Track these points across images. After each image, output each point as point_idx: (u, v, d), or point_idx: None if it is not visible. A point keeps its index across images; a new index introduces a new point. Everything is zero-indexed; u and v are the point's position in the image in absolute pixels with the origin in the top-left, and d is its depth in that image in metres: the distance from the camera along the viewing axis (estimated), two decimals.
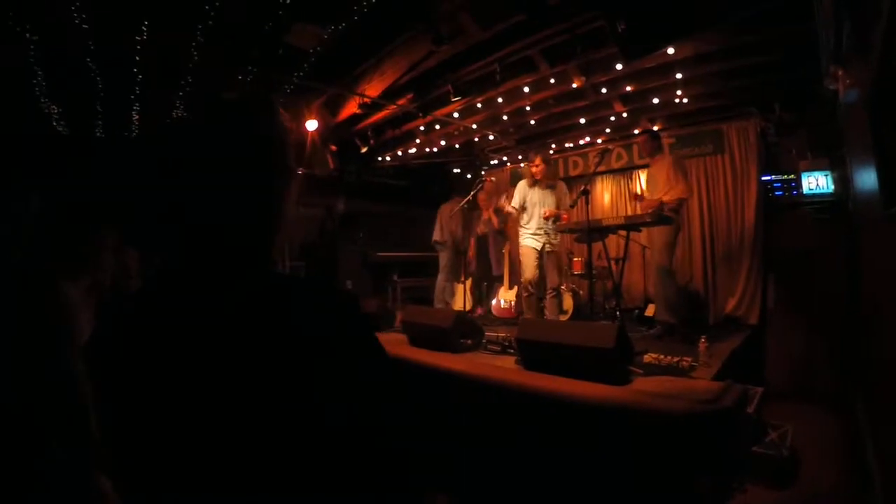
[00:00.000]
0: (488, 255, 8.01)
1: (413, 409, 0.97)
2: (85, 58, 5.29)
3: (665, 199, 5.30)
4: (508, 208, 6.25)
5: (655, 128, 7.36)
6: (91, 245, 2.12)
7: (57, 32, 4.84)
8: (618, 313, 5.07)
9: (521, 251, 6.20)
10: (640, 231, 5.13)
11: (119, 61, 5.47)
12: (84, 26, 4.69)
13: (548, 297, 6.04)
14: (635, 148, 7.58)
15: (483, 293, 7.90)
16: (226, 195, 0.95)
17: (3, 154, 7.03)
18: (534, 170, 6.00)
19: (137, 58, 5.34)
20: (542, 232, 5.97)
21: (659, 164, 5.64)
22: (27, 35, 4.82)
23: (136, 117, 6.92)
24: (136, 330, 0.92)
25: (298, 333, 0.87)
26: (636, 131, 7.43)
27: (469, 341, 4.65)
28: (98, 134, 7.32)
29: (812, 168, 6.05)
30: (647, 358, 3.78)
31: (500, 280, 7.72)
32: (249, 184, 0.97)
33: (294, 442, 0.84)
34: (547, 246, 5.98)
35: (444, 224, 7.94)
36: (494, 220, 7.33)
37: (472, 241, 7.98)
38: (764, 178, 6.55)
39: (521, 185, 6.28)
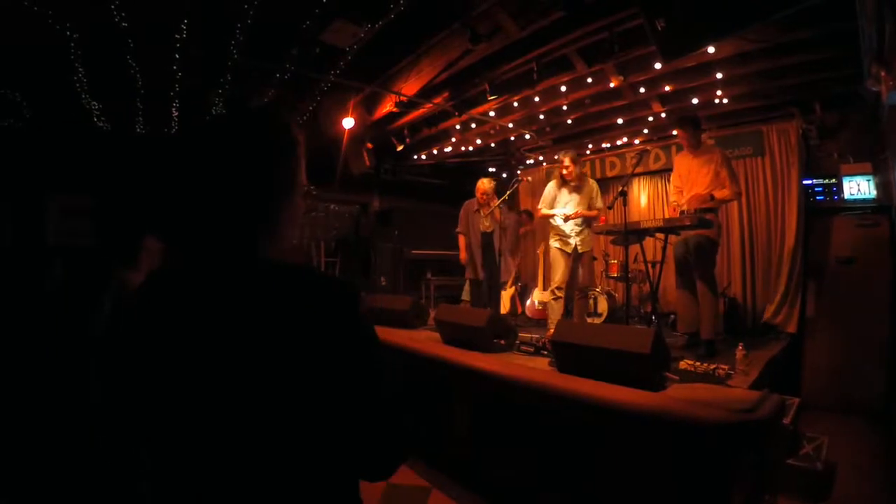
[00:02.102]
0: (494, 256, 6.98)
1: (400, 398, 1.05)
2: (125, 55, 5.41)
3: (716, 195, 4.91)
4: (542, 212, 6.20)
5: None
6: (140, 240, 2.18)
7: (98, 31, 4.97)
8: (654, 318, 4.99)
9: (550, 254, 6.16)
10: (678, 234, 5.00)
11: (159, 59, 5.58)
12: (124, 24, 4.79)
13: (576, 298, 5.99)
14: (673, 149, 7.43)
15: (486, 296, 7.14)
16: (226, 198, 1.02)
17: (46, 150, 7.26)
18: (563, 171, 5.95)
19: (177, 56, 5.45)
20: (571, 234, 5.92)
21: (702, 158, 5.11)
22: (68, 33, 4.94)
23: (175, 114, 7.06)
24: (137, 323, 0.99)
25: (283, 322, 0.93)
26: (674, 132, 7.28)
27: (502, 341, 4.65)
28: (139, 130, 7.48)
29: (854, 172, 5.90)
30: (683, 364, 3.73)
31: (503, 286, 7.55)
32: (250, 189, 1.03)
33: (285, 424, 0.91)
34: (578, 248, 5.93)
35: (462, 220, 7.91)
36: (497, 213, 6.79)
37: (462, 238, 7.23)
38: (805, 182, 6.38)
39: (550, 186, 6.22)
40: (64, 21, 4.79)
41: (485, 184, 6.75)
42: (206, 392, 0.91)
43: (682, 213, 5.04)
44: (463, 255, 7.11)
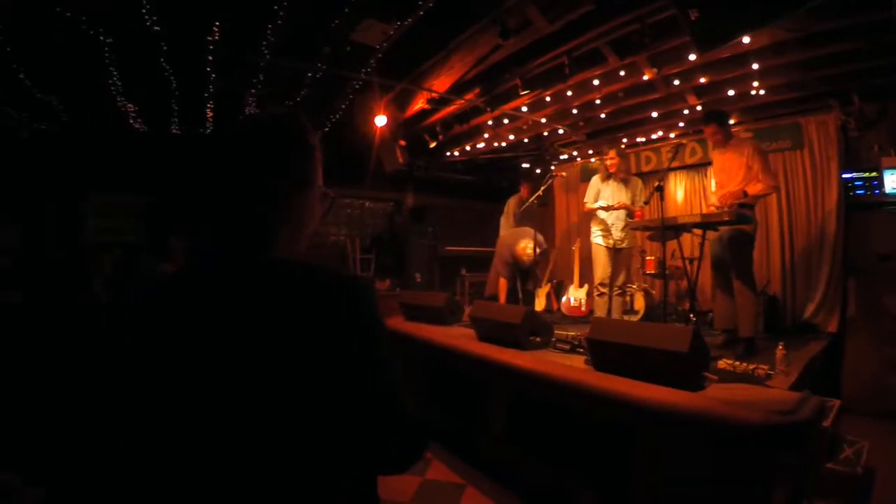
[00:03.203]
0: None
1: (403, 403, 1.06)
2: (158, 58, 5.51)
3: (749, 190, 4.74)
4: (588, 205, 6.17)
5: (731, 121, 7.12)
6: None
7: (130, 34, 5.08)
8: (692, 316, 4.92)
9: (592, 250, 6.12)
10: (716, 230, 4.91)
11: (192, 61, 5.69)
12: (156, 28, 4.88)
13: (613, 295, 5.95)
14: (710, 142, 7.31)
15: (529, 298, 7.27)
16: (244, 197, 1.06)
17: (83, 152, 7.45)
18: (608, 163, 5.93)
19: (210, 57, 5.53)
20: (614, 229, 5.89)
21: (733, 150, 4.99)
22: (101, 38, 5.05)
23: (210, 115, 7.18)
24: (147, 321, 1.01)
25: (295, 318, 0.96)
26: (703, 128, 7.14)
27: (538, 339, 4.63)
28: (174, 131, 7.64)
29: (895, 165, 5.74)
30: (722, 364, 3.67)
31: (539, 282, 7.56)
32: (268, 188, 1.08)
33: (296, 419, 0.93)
34: (618, 243, 5.89)
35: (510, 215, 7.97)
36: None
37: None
38: (844, 176, 6.19)
39: (595, 180, 6.20)
40: (97, 26, 4.90)
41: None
42: (216, 390, 0.92)
43: (716, 209, 4.94)
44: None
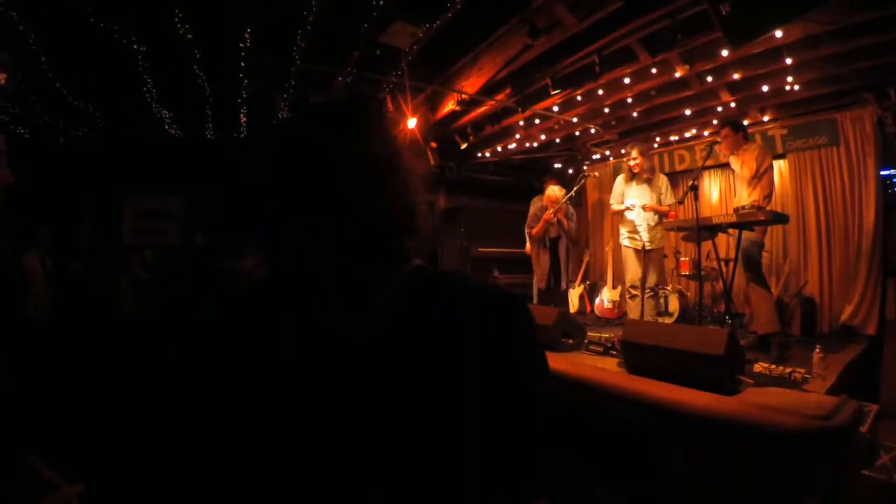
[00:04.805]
0: (558, 262, 6.86)
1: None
2: (192, 65, 5.62)
3: (747, 202, 4.83)
4: (614, 207, 6.11)
5: (766, 118, 7.01)
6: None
7: (163, 43, 5.19)
8: (727, 318, 4.85)
9: (622, 252, 6.07)
10: (753, 230, 4.83)
11: (224, 67, 5.79)
12: (189, 36, 4.98)
13: (645, 297, 5.89)
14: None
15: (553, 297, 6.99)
16: (328, 199, 0.89)
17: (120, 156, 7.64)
18: (631, 163, 5.86)
19: (242, 63, 5.62)
20: (641, 230, 5.82)
21: (742, 156, 5.08)
22: (135, 46, 5.18)
23: (244, 119, 7.30)
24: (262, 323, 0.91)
25: (439, 336, 0.83)
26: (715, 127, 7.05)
27: (570, 340, 4.62)
28: (209, 136, 7.78)
29: None
30: (758, 367, 3.61)
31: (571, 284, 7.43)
32: (344, 188, 0.90)
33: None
34: (647, 244, 5.83)
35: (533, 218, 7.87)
36: (565, 222, 6.67)
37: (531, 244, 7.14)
38: (882, 173, 6.03)
39: (619, 181, 6.13)
40: (130, 35, 5.02)
41: (555, 192, 6.64)
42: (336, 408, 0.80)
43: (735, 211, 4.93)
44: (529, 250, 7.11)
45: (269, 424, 0.84)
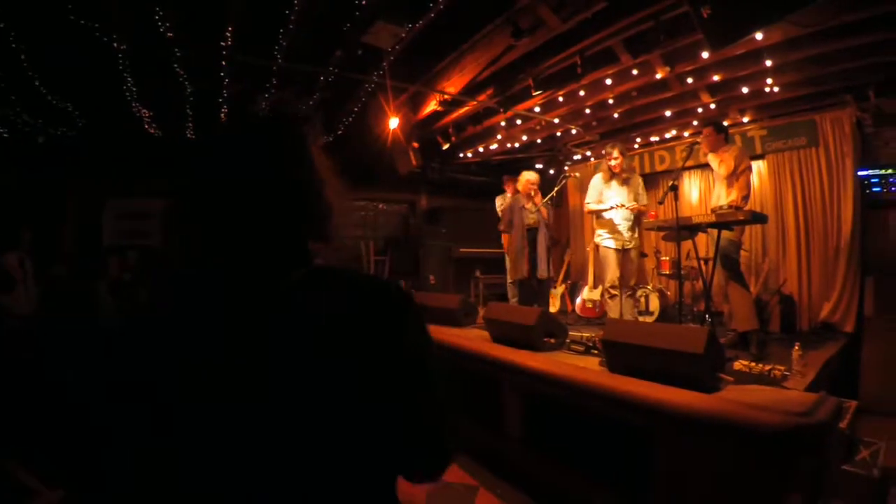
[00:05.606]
0: (535, 253, 6.67)
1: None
2: (172, 64, 5.56)
3: (726, 203, 4.87)
4: (591, 207, 6.11)
5: (745, 119, 7.08)
6: None
7: (144, 41, 5.13)
8: (707, 317, 4.89)
9: (600, 252, 6.09)
10: (732, 230, 4.88)
11: (205, 66, 5.73)
12: (169, 35, 4.92)
13: (625, 296, 5.92)
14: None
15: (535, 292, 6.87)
16: (242, 204, 0.98)
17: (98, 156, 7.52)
18: (612, 162, 5.86)
19: (223, 62, 5.57)
20: (622, 228, 5.85)
21: (721, 154, 5.06)
22: (115, 45, 5.10)
23: (224, 118, 7.23)
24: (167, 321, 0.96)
25: (332, 327, 0.91)
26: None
27: (552, 340, 4.62)
28: (189, 135, 7.70)
29: None
30: (738, 365, 3.63)
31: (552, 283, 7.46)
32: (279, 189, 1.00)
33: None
34: (626, 244, 5.86)
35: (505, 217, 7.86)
36: (543, 210, 6.59)
37: (506, 237, 7.13)
38: (860, 173, 6.11)
39: (596, 180, 6.12)
40: (110, 33, 4.94)
41: (531, 175, 6.60)
42: (238, 395, 0.86)
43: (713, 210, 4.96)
44: (507, 249, 7.07)
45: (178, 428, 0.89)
